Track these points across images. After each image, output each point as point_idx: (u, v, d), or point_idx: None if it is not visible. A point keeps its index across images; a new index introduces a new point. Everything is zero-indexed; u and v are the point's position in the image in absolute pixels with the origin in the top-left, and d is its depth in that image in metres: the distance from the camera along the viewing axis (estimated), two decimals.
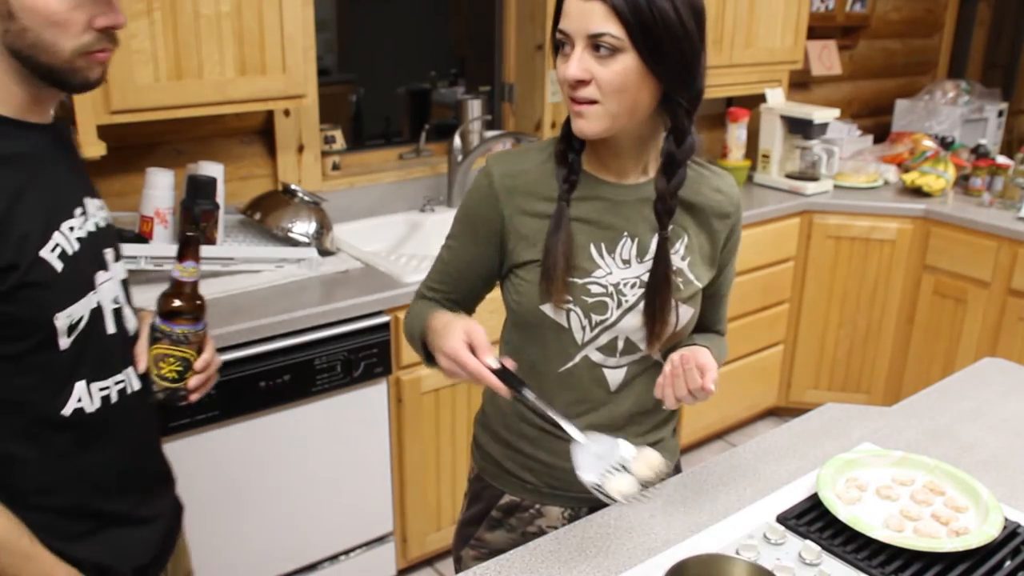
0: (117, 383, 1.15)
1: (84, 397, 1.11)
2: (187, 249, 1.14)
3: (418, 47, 3.12)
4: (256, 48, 2.01)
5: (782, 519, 1.23)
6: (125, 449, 1.19)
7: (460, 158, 2.77)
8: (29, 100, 1.07)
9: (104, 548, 1.17)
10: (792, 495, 1.30)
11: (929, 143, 3.49)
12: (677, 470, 1.42)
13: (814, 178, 3.33)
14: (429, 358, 1.25)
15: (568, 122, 1.19)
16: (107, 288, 1.14)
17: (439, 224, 2.70)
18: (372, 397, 2.20)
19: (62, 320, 1.06)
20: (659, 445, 1.32)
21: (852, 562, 1.14)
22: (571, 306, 1.20)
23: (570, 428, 1.09)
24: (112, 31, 1.05)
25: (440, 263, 1.32)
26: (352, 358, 2.09)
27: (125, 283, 1.21)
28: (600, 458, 1.09)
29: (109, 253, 1.16)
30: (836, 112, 3.32)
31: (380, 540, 2.36)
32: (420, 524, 2.42)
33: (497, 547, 1.36)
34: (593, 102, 1.10)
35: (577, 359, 1.23)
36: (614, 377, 1.24)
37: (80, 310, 1.08)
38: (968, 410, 1.61)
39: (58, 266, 1.05)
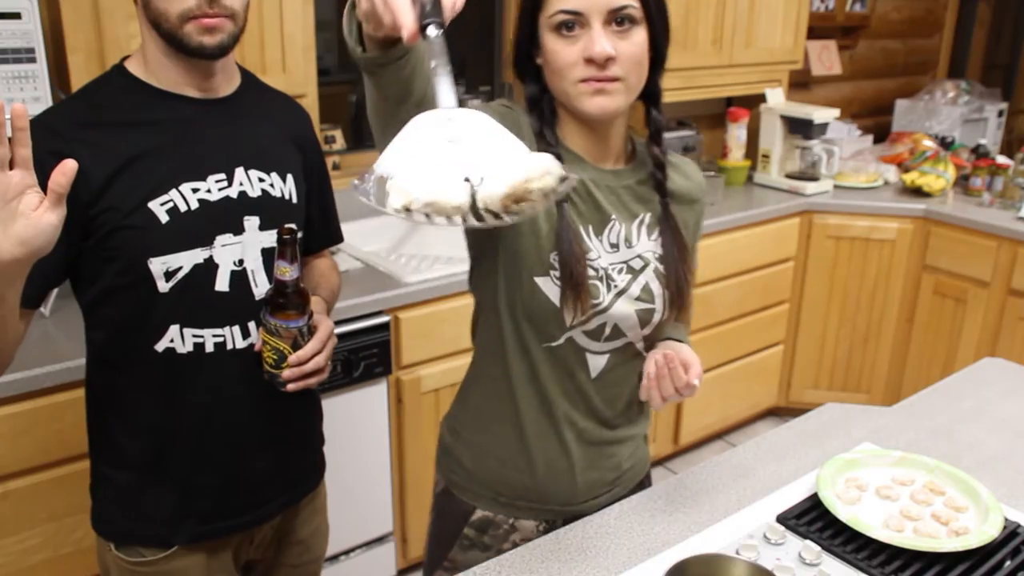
0: (215, 335, 1.26)
1: (176, 339, 1.24)
2: (281, 249, 1.22)
3: None
4: (256, 48, 2.01)
5: (782, 519, 1.23)
6: (216, 397, 1.28)
7: None
8: (179, 72, 1.22)
9: (184, 477, 1.30)
10: (792, 495, 1.30)
11: (929, 143, 3.49)
12: (643, 485, 1.38)
13: (814, 178, 3.33)
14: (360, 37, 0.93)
15: (541, 122, 1.15)
16: (230, 250, 1.25)
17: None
18: (372, 397, 2.20)
19: (157, 265, 1.19)
20: (630, 443, 1.30)
21: (852, 562, 1.14)
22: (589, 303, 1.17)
23: (446, 91, 0.80)
24: None
25: None
26: (352, 358, 2.09)
27: (271, 252, 1.28)
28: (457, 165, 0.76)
29: (252, 220, 1.26)
30: (836, 112, 3.32)
31: (380, 540, 2.36)
32: (420, 524, 2.42)
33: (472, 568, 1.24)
34: (616, 79, 1.08)
35: (562, 340, 1.18)
36: (595, 363, 1.21)
37: (180, 261, 1.21)
38: (968, 410, 1.61)
39: (163, 218, 1.19)
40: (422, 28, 0.79)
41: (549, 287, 1.15)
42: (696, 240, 1.32)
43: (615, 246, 1.19)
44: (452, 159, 0.75)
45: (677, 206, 1.24)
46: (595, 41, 1.05)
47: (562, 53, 1.08)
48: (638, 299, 1.19)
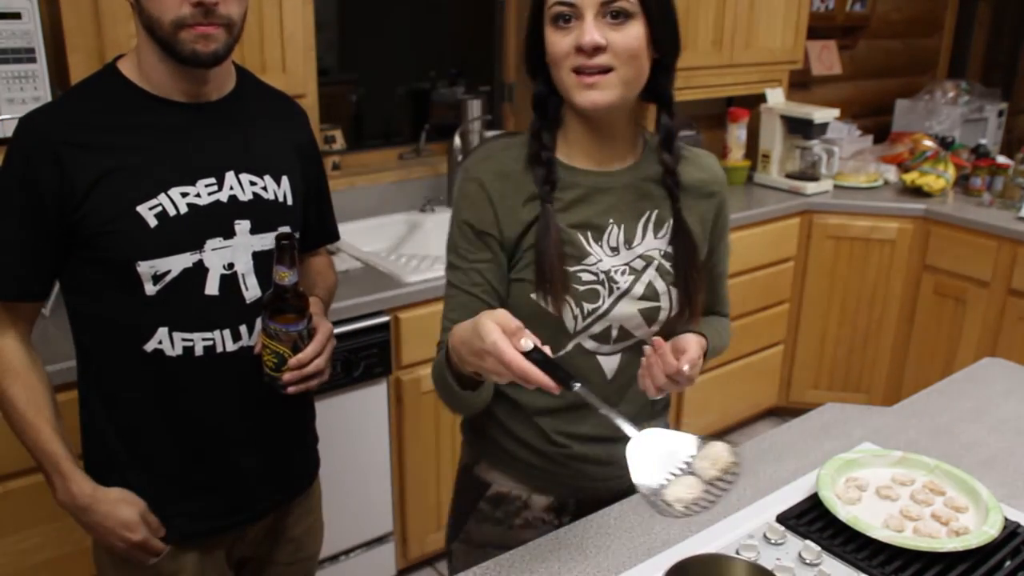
0: (204, 339, 1.25)
1: (165, 341, 1.23)
2: (280, 254, 1.22)
3: (418, 47, 3.11)
4: (256, 47, 2.01)
5: (782, 519, 1.23)
6: (206, 401, 1.28)
7: (460, 158, 2.77)
8: (171, 77, 1.21)
9: (175, 476, 1.30)
10: (792, 495, 1.30)
11: (929, 143, 3.49)
12: None
13: (814, 178, 3.33)
14: (464, 385, 1.14)
15: (542, 122, 1.19)
16: (220, 254, 1.24)
17: (439, 224, 2.69)
18: (372, 397, 2.20)
19: (144, 268, 1.19)
20: None
21: (852, 562, 1.14)
22: (564, 295, 1.18)
23: (623, 424, 0.98)
24: (209, 6, 1.14)
25: (453, 290, 1.23)
26: (352, 358, 2.09)
27: (262, 255, 1.28)
28: (659, 458, 0.98)
29: (242, 224, 1.26)
30: (836, 112, 3.32)
31: (380, 540, 2.36)
32: (420, 524, 2.42)
33: (485, 540, 1.35)
34: (607, 70, 1.10)
35: (569, 347, 1.22)
36: (609, 364, 1.24)
37: (169, 265, 1.20)
38: (968, 410, 1.61)
39: (152, 222, 1.18)
40: (563, 384, 0.96)
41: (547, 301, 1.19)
42: (723, 231, 1.32)
43: (615, 249, 1.21)
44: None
45: (692, 200, 1.26)
46: (585, 31, 1.09)
47: (557, 44, 1.12)
48: (642, 298, 1.21)
